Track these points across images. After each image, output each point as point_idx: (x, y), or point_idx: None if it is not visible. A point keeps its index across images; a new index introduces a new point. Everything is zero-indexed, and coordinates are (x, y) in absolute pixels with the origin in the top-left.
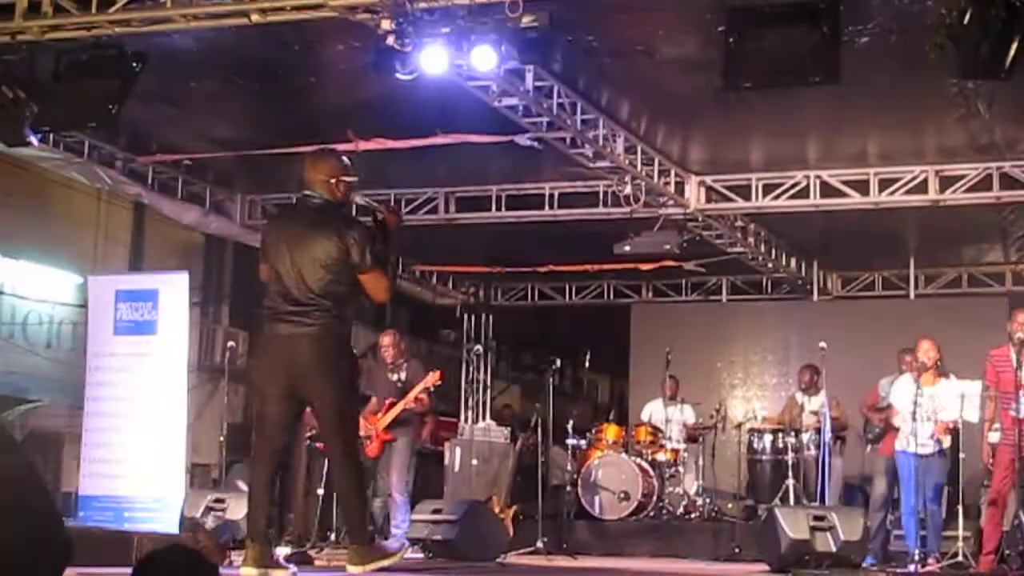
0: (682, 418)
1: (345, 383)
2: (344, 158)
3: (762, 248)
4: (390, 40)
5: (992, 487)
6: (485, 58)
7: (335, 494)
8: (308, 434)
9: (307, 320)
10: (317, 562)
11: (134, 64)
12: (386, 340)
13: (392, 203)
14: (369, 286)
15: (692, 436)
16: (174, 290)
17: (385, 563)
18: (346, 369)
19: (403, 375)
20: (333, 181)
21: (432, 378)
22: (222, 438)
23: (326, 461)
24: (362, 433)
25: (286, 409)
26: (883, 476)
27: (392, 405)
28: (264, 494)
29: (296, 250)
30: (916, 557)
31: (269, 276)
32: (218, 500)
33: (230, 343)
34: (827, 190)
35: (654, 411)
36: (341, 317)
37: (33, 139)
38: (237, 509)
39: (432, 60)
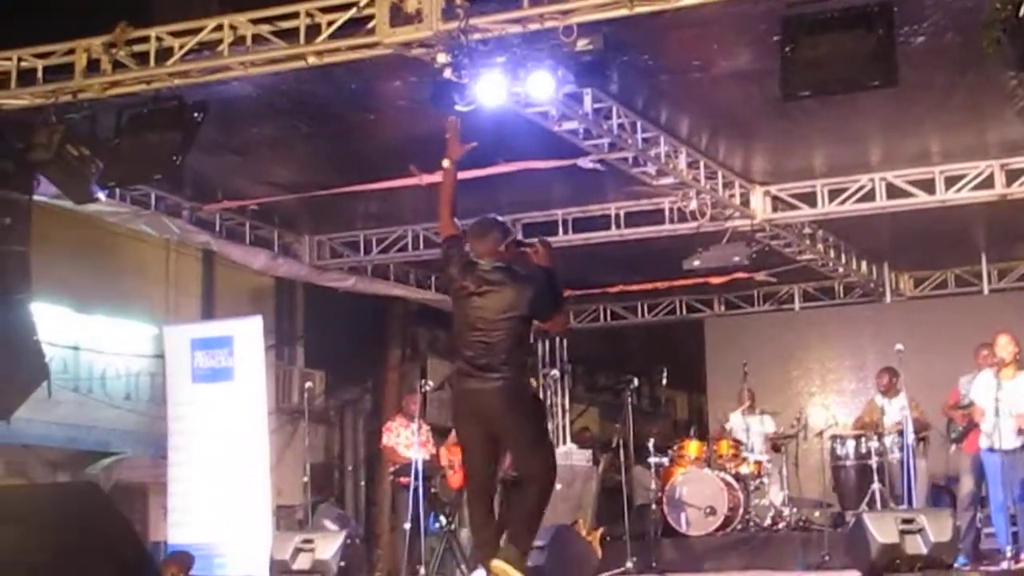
0: (762, 429)
1: (533, 421)
2: (502, 221)
3: (831, 254)
4: (447, 73)
5: None
6: (542, 84)
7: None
8: (391, 470)
9: (495, 375)
10: None
11: (195, 115)
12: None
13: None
14: (551, 327)
15: (774, 446)
16: (249, 334)
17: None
18: (532, 409)
19: None
20: (502, 248)
21: None
22: (305, 479)
23: (410, 495)
24: (444, 463)
25: (483, 451)
26: (969, 474)
27: None
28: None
29: (484, 310)
30: (1008, 554)
31: (457, 339)
32: (306, 540)
33: (307, 384)
34: (893, 191)
35: (735, 423)
36: (524, 367)
37: (100, 195)
38: (326, 549)
39: (489, 90)
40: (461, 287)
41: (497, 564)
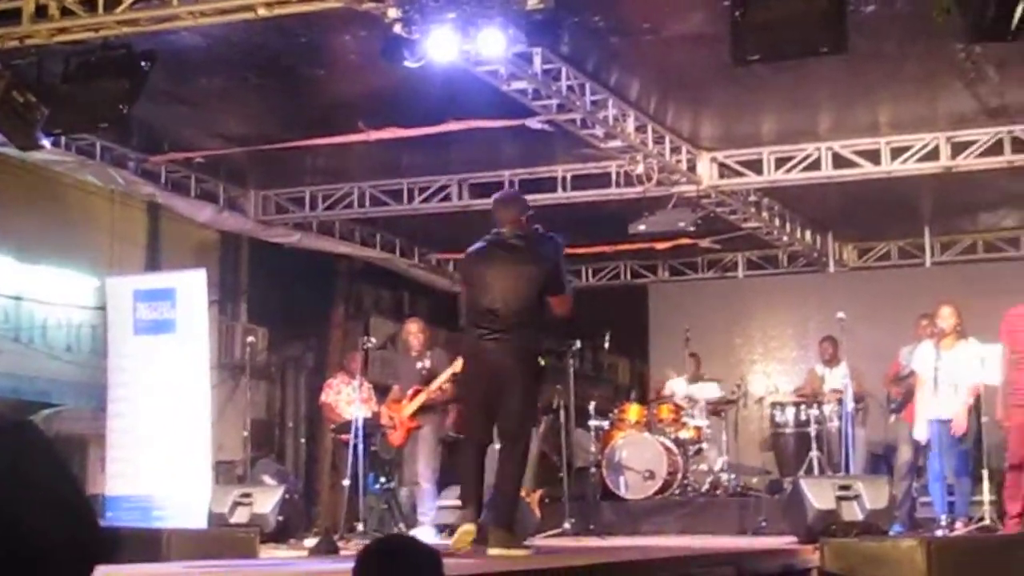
0: (704, 395)
1: (530, 390)
2: (523, 196)
3: (776, 222)
4: (397, 28)
5: (1010, 451)
6: (492, 42)
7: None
8: (332, 428)
9: (509, 337)
10: (344, 552)
11: (143, 63)
12: (413, 328)
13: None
14: (557, 305)
15: (715, 411)
16: (192, 288)
17: (520, 554)
18: (535, 378)
19: (428, 363)
20: (523, 218)
21: (457, 365)
22: (246, 433)
23: (349, 453)
24: (385, 421)
25: (484, 412)
26: (907, 443)
27: (417, 393)
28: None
29: (501, 278)
30: (943, 522)
31: (471, 301)
32: (245, 495)
33: (250, 338)
34: (839, 161)
35: (676, 389)
36: (536, 333)
37: (45, 142)
38: (264, 503)
39: (440, 46)
40: (481, 261)
41: (494, 552)
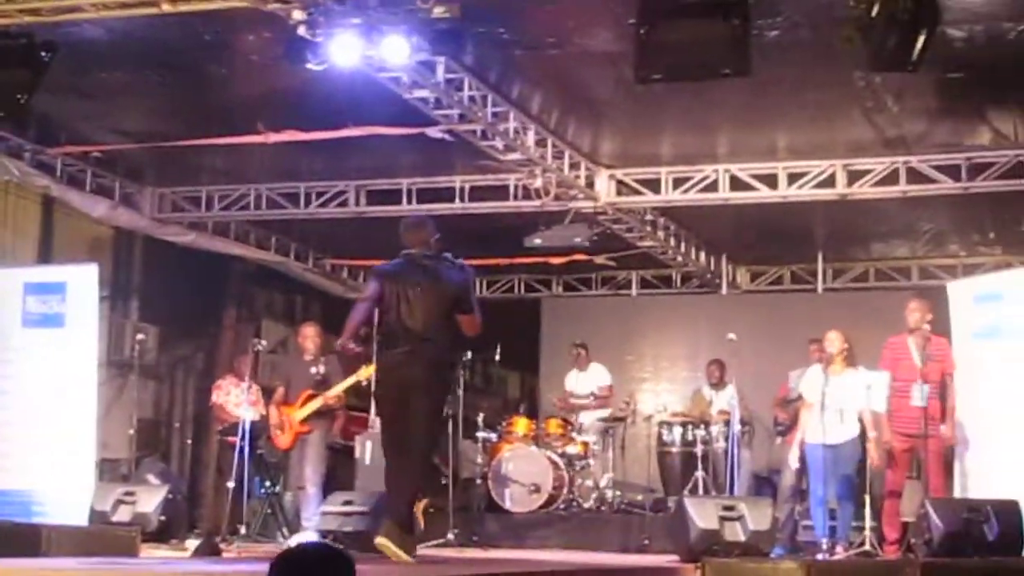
0: (596, 381)
1: (437, 401)
2: (431, 220)
3: (672, 242)
4: (301, 30)
5: (889, 479)
6: (396, 49)
7: (391, 482)
8: (219, 429)
9: (422, 352)
10: (226, 554)
11: (43, 54)
12: (309, 331)
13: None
14: (467, 324)
15: (603, 402)
16: (83, 282)
17: (403, 556)
18: (444, 389)
19: (321, 369)
20: (432, 241)
21: (362, 373)
22: (132, 432)
23: (236, 455)
24: (274, 423)
25: (401, 418)
26: (791, 467)
27: (311, 397)
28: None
29: (414, 298)
30: (824, 546)
31: (384, 318)
32: (128, 493)
33: (139, 336)
34: (736, 184)
35: (567, 380)
36: (447, 347)
37: None
38: (147, 502)
39: (343, 50)
40: (395, 279)
41: (380, 541)
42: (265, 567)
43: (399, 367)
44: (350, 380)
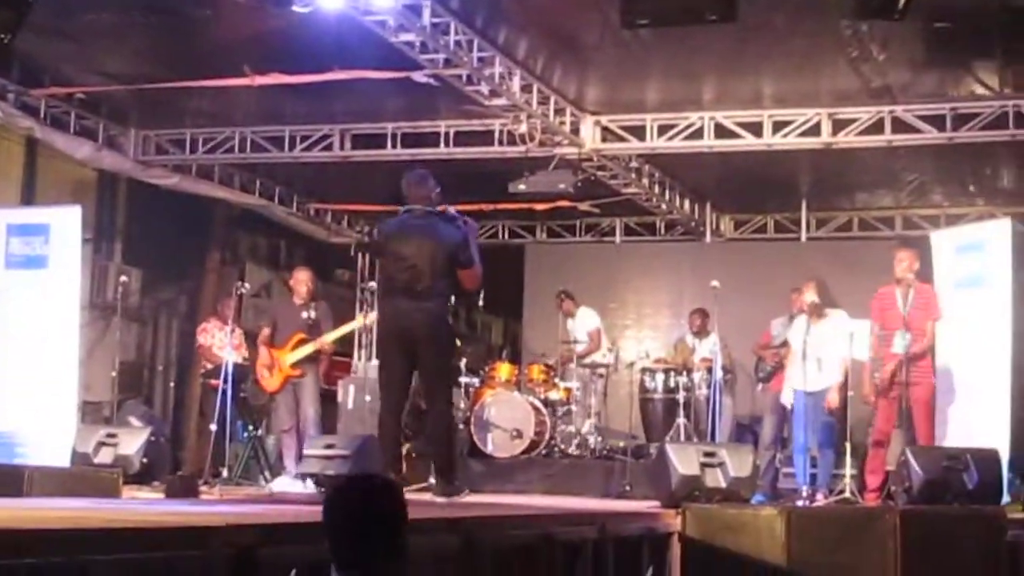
0: (585, 327)
1: (448, 350)
2: (432, 176)
3: (656, 189)
4: None
5: (875, 427)
6: None
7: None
8: (202, 372)
9: (424, 303)
10: (207, 496)
11: None
12: (303, 276)
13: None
14: (466, 278)
15: (593, 346)
16: (66, 224)
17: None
18: (449, 339)
19: (312, 314)
20: (432, 196)
21: (363, 319)
22: (114, 374)
23: (219, 398)
24: (264, 363)
25: (401, 370)
26: (773, 414)
27: (303, 342)
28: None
29: (416, 250)
30: (804, 493)
31: (387, 273)
32: (110, 435)
33: (123, 279)
34: (721, 131)
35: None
36: (447, 299)
37: None
38: (129, 444)
39: None
40: (396, 235)
41: (439, 500)
42: (245, 508)
43: (400, 317)
44: (346, 328)
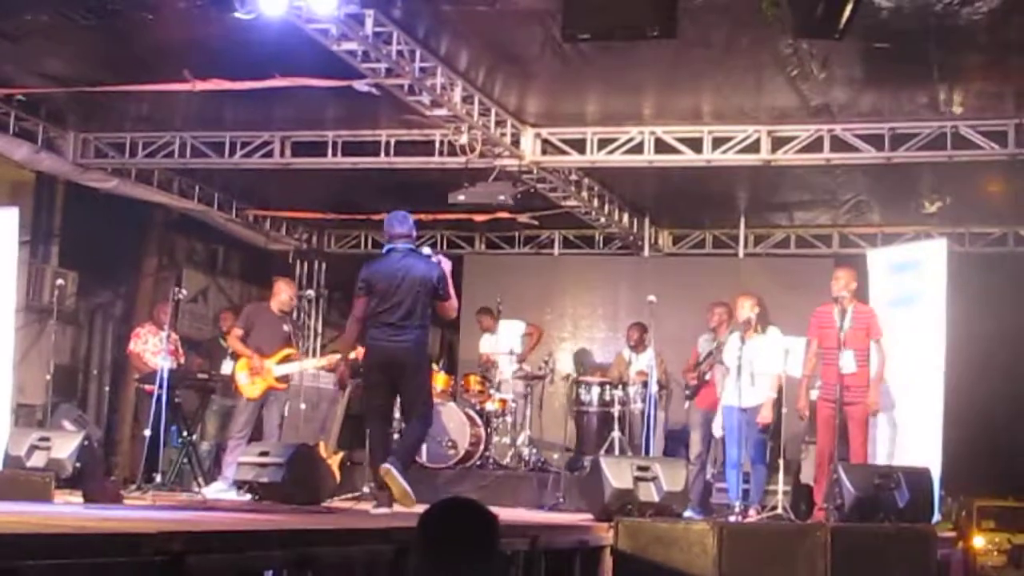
0: (509, 339)
1: (425, 373)
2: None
3: (595, 203)
4: None
5: (819, 445)
6: (325, 0)
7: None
8: (136, 377)
9: (406, 333)
10: (138, 501)
11: None
12: (286, 286)
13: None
14: (444, 310)
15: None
16: (3, 226)
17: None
18: (428, 363)
19: (288, 328)
20: (414, 235)
21: (360, 352)
22: (48, 378)
23: (153, 403)
24: (254, 366)
25: (386, 394)
26: (698, 429)
27: (289, 357)
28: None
29: (401, 286)
30: (737, 509)
31: (368, 306)
32: (43, 439)
33: (59, 282)
34: (661, 146)
35: (482, 344)
36: (427, 330)
37: None
38: (62, 448)
39: (271, 0)
40: (381, 274)
41: (384, 468)
42: (177, 514)
43: (385, 348)
44: (334, 358)
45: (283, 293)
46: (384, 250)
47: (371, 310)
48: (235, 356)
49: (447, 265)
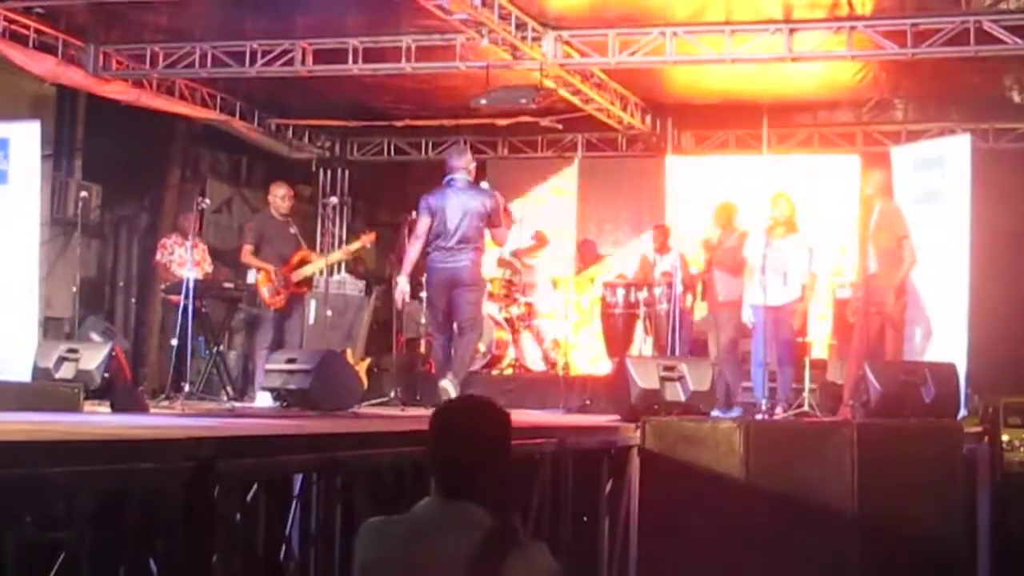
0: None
1: (478, 293)
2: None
3: (617, 105)
4: None
5: (852, 344)
6: None
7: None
8: (162, 288)
9: (461, 256)
10: (169, 411)
11: None
12: (284, 192)
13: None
14: (497, 236)
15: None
16: (26, 139)
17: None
18: (481, 281)
19: (294, 229)
20: (472, 167)
21: (369, 237)
22: (75, 290)
23: (180, 314)
24: (274, 281)
25: (446, 308)
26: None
27: (305, 260)
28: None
29: (457, 212)
30: (763, 407)
31: (428, 227)
32: (71, 350)
33: (83, 195)
34: (683, 47)
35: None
36: (480, 253)
37: None
38: (90, 360)
39: None
40: (440, 202)
41: (442, 386)
42: (205, 421)
43: (445, 270)
44: (352, 247)
45: (284, 200)
46: (444, 180)
47: (431, 235)
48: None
49: (501, 199)
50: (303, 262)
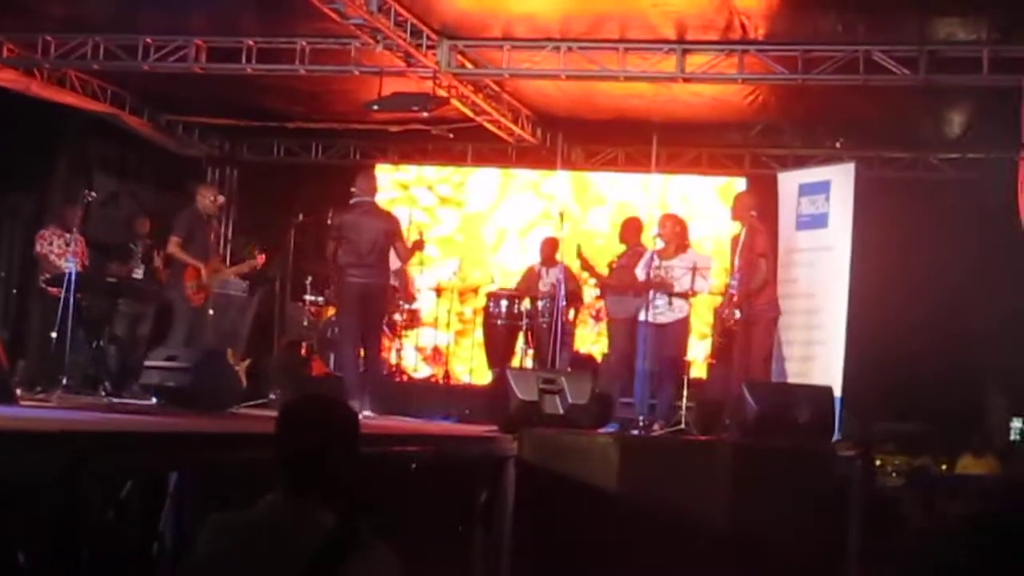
0: None
1: (388, 305)
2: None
3: (509, 116)
4: None
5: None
6: None
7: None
8: (43, 279)
9: (373, 273)
10: (45, 404)
11: None
12: (213, 195)
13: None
14: (402, 254)
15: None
16: None
17: None
18: (389, 297)
19: (213, 234)
20: (376, 190)
21: (257, 261)
22: None
23: (60, 305)
24: (202, 277)
25: (360, 323)
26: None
27: (219, 269)
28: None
29: (368, 231)
30: (641, 423)
31: (338, 248)
32: None
33: None
34: (575, 61)
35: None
36: (388, 270)
37: None
38: None
39: None
40: (352, 224)
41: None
42: (80, 415)
43: (356, 288)
44: (243, 267)
45: (204, 197)
46: (352, 202)
47: (344, 252)
48: (149, 260)
49: (401, 220)
50: (217, 269)
